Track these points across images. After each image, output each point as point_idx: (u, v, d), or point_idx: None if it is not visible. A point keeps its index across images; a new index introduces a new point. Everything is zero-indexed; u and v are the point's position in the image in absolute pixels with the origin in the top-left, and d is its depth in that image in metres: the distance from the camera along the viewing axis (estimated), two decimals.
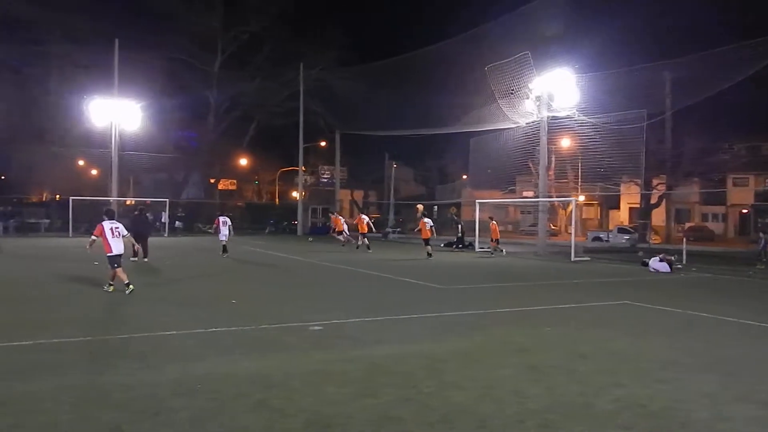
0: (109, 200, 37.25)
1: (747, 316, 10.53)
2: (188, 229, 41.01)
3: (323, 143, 53.88)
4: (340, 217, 29.82)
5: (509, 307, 11.29)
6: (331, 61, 44.73)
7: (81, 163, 48.36)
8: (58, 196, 43.25)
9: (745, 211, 53.20)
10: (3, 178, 46.02)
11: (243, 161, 57.75)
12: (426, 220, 23.51)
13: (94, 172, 49.27)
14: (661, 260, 19.51)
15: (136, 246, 17.65)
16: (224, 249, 21.24)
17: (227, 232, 21.34)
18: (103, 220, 11.94)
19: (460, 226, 30.09)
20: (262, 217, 44.94)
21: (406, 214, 55.25)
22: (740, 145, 50.25)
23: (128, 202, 44.40)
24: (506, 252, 25.90)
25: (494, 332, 8.90)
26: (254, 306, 10.81)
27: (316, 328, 8.72)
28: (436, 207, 33.91)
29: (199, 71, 44.58)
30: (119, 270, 11.74)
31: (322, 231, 45.41)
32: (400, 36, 52.80)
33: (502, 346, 7.97)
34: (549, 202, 30.60)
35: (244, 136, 49.94)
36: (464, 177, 59.09)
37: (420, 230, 23.31)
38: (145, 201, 40.29)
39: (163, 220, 38.03)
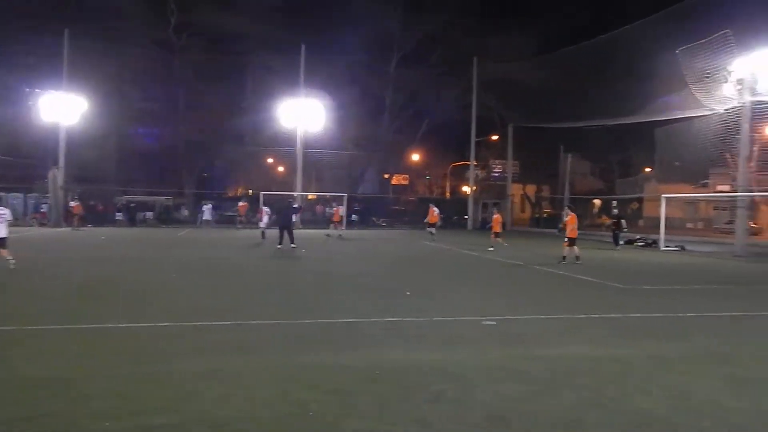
0: (293, 194, 40.31)
1: None
2: (364, 222, 42.94)
3: (495, 137, 53.22)
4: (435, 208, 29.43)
5: (704, 311, 10.31)
6: (506, 55, 44.03)
7: (270, 160, 52.79)
8: (250, 191, 47.73)
9: None
10: (206, 175, 51.68)
11: (415, 157, 59.01)
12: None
13: (281, 168, 53.53)
14: None
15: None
16: (263, 235, 24.92)
17: (267, 220, 25.35)
18: None
19: (623, 222, 27.73)
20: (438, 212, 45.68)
21: (582, 209, 52.69)
22: None
23: (310, 197, 47.62)
24: (697, 252, 23.61)
25: (688, 338, 8.19)
26: (427, 298, 11.02)
27: (490, 323, 8.67)
28: (615, 202, 32.05)
29: (376, 71, 46.36)
30: (4, 251, 13.49)
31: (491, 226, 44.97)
32: (579, 23, 50.21)
33: (697, 353, 7.31)
34: (750, 197, 27.31)
35: (417, 132, 51.03)
36: (648, 170, 54.88)
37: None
38: (325, 195, 42.96)
39: (340, 213, 40.11)
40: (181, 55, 42.49)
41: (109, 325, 7.98)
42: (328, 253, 20.72)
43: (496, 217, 24.84)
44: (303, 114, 39.03)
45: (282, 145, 43.35)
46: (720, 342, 7.94)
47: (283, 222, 21.05)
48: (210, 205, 37.04)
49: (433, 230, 27.85)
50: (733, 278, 16.35)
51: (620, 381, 5.95)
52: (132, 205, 40.08)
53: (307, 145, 40.87)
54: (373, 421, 4.77)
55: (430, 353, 6.91)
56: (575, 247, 18.33)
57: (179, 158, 45.01)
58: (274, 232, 21.89)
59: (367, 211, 45.50)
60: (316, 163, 45.51)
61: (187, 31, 41.98)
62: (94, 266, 15.23)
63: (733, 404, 5.34)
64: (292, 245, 20.10)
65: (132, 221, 38.04)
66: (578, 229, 18.96)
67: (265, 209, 26.12)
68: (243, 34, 42.74)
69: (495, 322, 8.70)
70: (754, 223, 41.01)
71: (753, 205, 38.84)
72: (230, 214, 40.70)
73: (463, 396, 5.39)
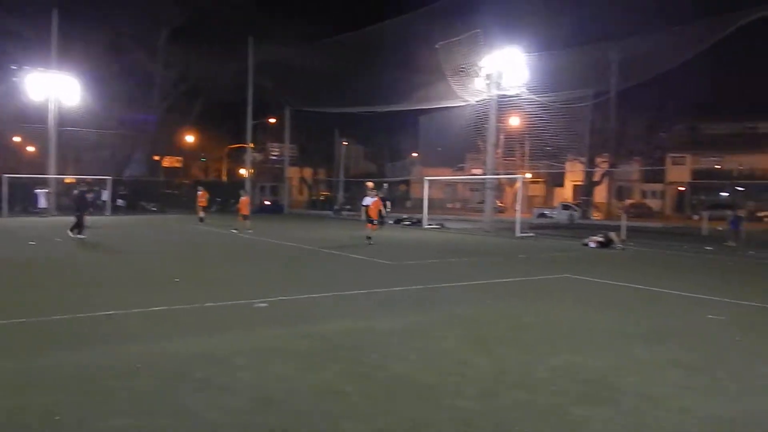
0: (46, 178, 35.88)
1: (683, 288, 11.03)
2: (132, 208, 39.95)
3: (273, 120, 53.01)
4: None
5: (456, 281, 11.48)
6: (283, 36, 43.94)
7: (17, 139, 46.26)
8: None
9: (682, 188, 55.45)
10: None
11: (190, 138, 56.30)
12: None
13: (30, 149, 47.21)
14: (597, 243, 19.91)
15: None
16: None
17: (45, 203, 24.27)
18: None
19: (387, 203, 30.13)
20: (209, 195, 44.26)
21: (356, 191, 55.25)
22: (680, 125, 51.94)
23: (67, 180, 42.80)
24: (454, 229, 26.23)
25: (440, 306, 9.06)
26: (197, 284, 10.65)
27: (262, 305, 8.67)
28: (385, 185, 34.21)
29: (144, 45, 42.98)
30: None
31: (271, 209, 45.01)
32: (355, 11, 52.03)
33: (447, 318, 8.12)
34: (496, 179, 31.05)
35: (191, 111, 48.63)
36: (414, 155, 59.37)
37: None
38: (85, 179, 38.97)
39: (103, 198, 36.77)
40: None
41: None
42: (91, 241, 18.87)
43: (244, 199, 24.46)
44: (56, 88, 34.82)
45: (31, 122, 38.13)
46: (466, 308, 8.92)
47: (76, 209, 19.80)
48: None
49: (203, 214, 27.78)
50: (480, 251, 18.47)
51: (380, 350, 6.37)
52: None
53: (63, 122, 36.55)
54: (130, 416, 4.47)
55: (197, 340, 6.68)
56: (375, 227, 19.44)
57: None
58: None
59: (135, 196, 42.38)
60: (74, 142, 40.91)
61: None
62: None
63: (476, 361, 6.04)
64: (75, 233, 18.94)
65: None
66: (354, 210, 19.80)
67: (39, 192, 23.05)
68: None
69: (267, 304, 8.72)
70: (500, 203, 46.80)
71: (499, 187, 44.24)
72: None
73: (228, 381, 5.30)
